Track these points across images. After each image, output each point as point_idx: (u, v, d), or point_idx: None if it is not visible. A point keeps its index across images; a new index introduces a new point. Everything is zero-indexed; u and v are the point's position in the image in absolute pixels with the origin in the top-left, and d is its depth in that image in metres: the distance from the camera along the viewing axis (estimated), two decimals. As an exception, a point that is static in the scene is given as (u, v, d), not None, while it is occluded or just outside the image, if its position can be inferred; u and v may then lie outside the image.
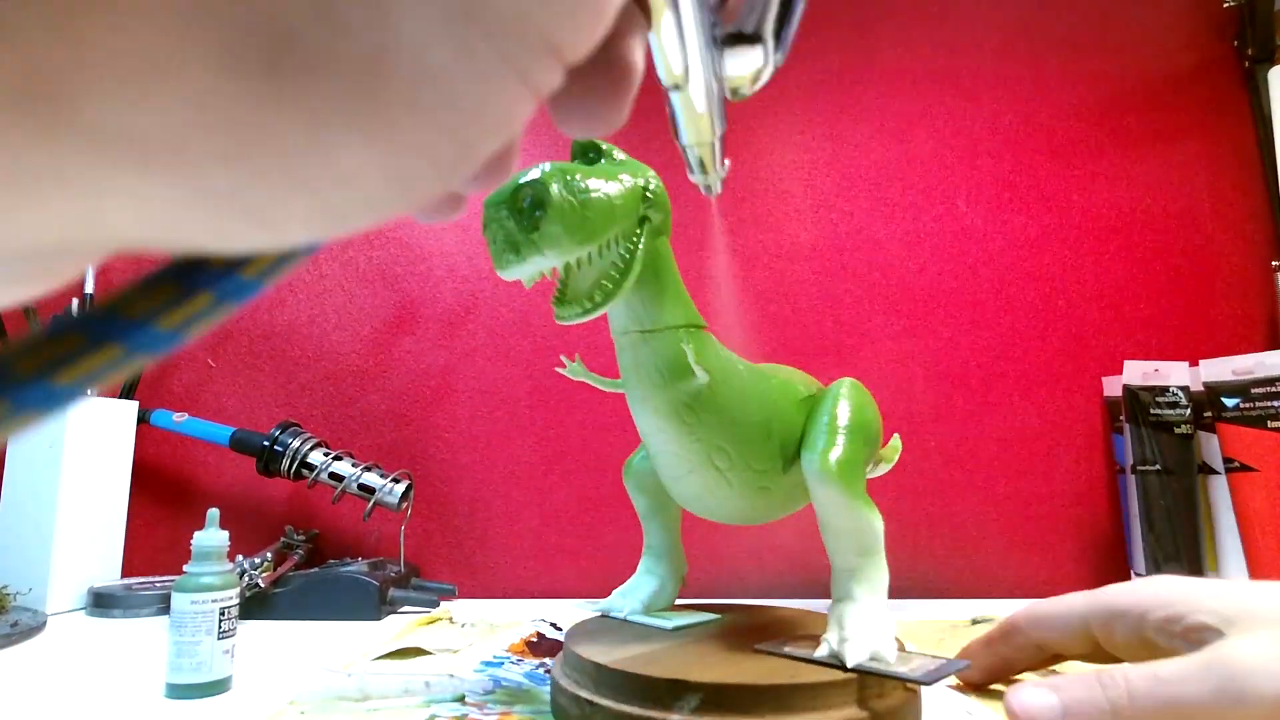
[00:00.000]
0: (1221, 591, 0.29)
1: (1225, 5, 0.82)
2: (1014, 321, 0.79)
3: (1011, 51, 0.84)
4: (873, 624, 0.34)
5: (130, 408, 0.74)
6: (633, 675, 0.32)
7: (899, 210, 0.82)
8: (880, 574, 0.36)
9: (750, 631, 0.40)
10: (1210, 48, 0.83)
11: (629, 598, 0.44)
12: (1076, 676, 0.28)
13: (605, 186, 0.33)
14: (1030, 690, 0.28)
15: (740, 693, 0.31)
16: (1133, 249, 0.80)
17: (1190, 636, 0.28)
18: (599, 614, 0.44)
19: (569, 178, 0.31)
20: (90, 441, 0.69)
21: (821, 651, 0.34)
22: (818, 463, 0.36)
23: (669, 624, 0.41)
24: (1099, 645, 0.33)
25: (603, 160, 0.35)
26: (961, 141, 0.83)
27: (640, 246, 0.34)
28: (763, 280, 0.80)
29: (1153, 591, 0.31)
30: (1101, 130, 0.82)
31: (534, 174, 0.31)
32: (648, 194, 0.35)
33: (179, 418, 0.74)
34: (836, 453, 0.36)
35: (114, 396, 0.74)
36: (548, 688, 0.41)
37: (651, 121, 0.85)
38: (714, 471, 0.37)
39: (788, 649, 0.36)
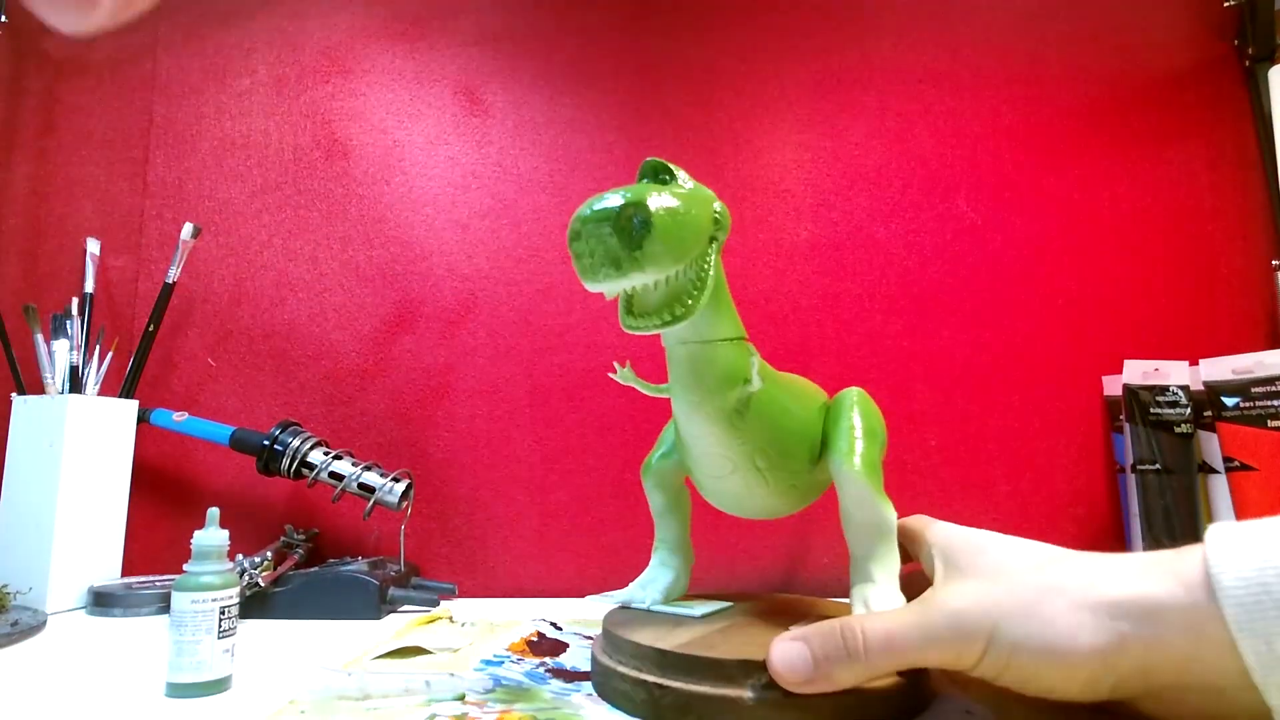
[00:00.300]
0: (972, 543, 0.35)
1: (1225, 5, 0.82)
2: (1014, 321, 0.79)
3: (1011, 51, 0.84)
4: (893, 603, 0.38)
5: (130, 407, 0.74)
6: (702, 658, 0.35)
7: (899, 210, 0.82)
8: (895, 559, 0.40)
9: (771, 616, 0.44)
10: (1210, 47, 0.83)
11: (648, 589, 0.47)
12: (824, 629, 0.33)
13: (694, 209, 0.35)
14: (786, 644, 0.33)
15: None
16: (1133, 249, 0.80)
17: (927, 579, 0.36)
18: (619, 605, 0.47)
19: (667, 200, 0.33)
20: (90, 441, 0.69)
21: None
22: (847, 463, 0.40)
23: (697, 612, 0.44)
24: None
25: (675, 180, 0.36)
26: (961, 141, 0.83)
27: (713, 264, 0.36)
28: (763, 280, 0.80)
29: (939, 532, 0.38)
30: (1101, 130, 0.82)
31: (635, 195, 0.33)
32: (716, 215, 0.37)
33: (179, 417, 0.74)
34: (861, 454, 0.40)
35: (114, 395, 0.73)
36: (548, 686, 0.41)
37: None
38: (755, 472, 0.40)
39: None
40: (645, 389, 0.42)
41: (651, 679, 0.35)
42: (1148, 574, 0.28)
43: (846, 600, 0.49)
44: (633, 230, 0.32)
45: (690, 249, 0.35)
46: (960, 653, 0.31)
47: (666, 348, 0.39)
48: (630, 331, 0.36)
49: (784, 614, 0.45)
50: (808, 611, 0.45)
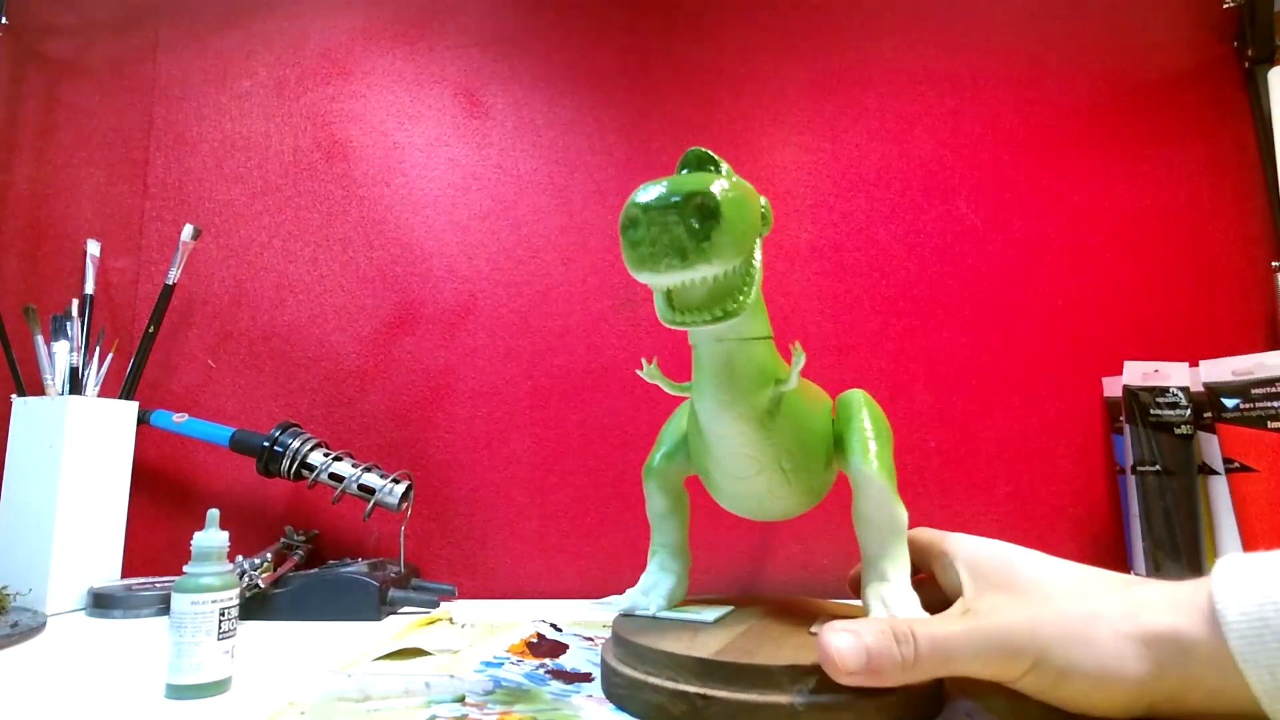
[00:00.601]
0: (999, 556, 0.36)
1: (1225, 5, 0.82)
2: (1014, 321, 0.79)
3: (1011, 52, 0.84)
4: (910, 600, 0.38)
5: (130, 408, 0.74)
6: (749, 665, 0.34)
7: (899, 210, 0.82)
8: (907, 557, 0.40)
9: (784, 617, 0.43)
10: (1210, 48, 0.83)
11: (651, 595, 0.46)
12: (876, 625, 0.33)
13: (751, 202, 0.34)
14: (840, 634, 0.33)
15: None
16: (1133, 249, 0.80)
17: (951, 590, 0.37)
18: (622, 613, 0.45)
19: (730, 190, 0.32)
20: (90, 441, 0.69)
21: None
22: (865, 464, 0.40)
23: (710, 617, 0.43)
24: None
25: (720, 172, 0.35)
26: (961, 141, 0.83)
27: (759, 261, 0.35)
28: (763, 281, 0.80)
29: (960, 545, 0.38)
30: (1102, 130, 0.82)
31: (700, 184, 0.31)
32: (763, 210, 0.37)
33: (179, 418, 0.74)
34: (877, 455, 0.40)
35: (114, 397, 0.74)
36: (548, 688, 0.41)
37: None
38: (779, 473, 0.40)
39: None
40: (668, 387, 0.42)
41: (693, 689, 0.34)
42: (1176, 607, 0.30)
43: (844, 600, 0.49)
44: (701, 220, 0.31)
45: (750, 244, 0.33)
46: (1005, 667, 0.32)
47: (696, 345, 0.38)
48: (674, 327, 0.35)
49: (795, 615, 0.44)
50: (817, 612, 0.45)
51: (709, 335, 0.37)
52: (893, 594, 0.38)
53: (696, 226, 0.31)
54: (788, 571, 0.75)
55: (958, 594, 0.36)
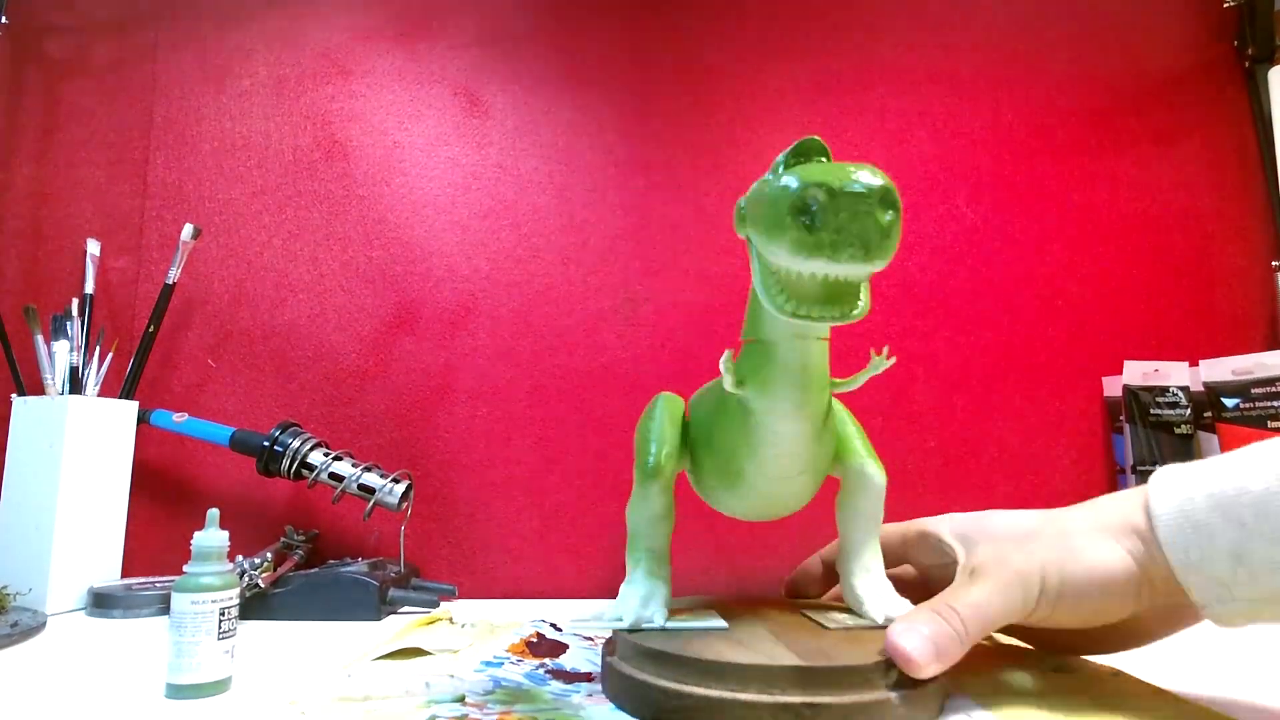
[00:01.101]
0: (979, 521, 0.41)
1: (1225, 5, 0.82)
2: (1014, 321, 0.79)
3: (1011, 52, 0.84)
4: (890, 591, 0.42)
5: (130, 408, 0.74)
6: (853, 668, 0.34)
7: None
8: (880, 548, 0.44)
9: (778, 619, 0.44)
10: (1210, 48, 0.83)
11: (651, 606, 0.42)
12: (924, 616, 0.35)
13: None
14: (906, 635, 0.35)
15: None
16: (1133, 249, 0.80)
17: (942, 554, 0.42)
18: (629, 629, 0.41)
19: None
20: (90, 441, 0.69)
21: (876, 618, 0.41)
22: (871, 464, 0.44)
23: (720, 623, 0.42)
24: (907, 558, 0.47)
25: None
26: (961, 142, 0.83)
27: None
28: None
29: (945, 524, 0.43)
30: (1101, 130, 0.82)
31: (881, 174, 0.29)
32: None
33: (179, 418, 0.74)
34: (875, 455, 0.44)
35: (114, 396, 0.74)
36: (548, 687, 0.41)
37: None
38: (814, 473, 0.41)
39: (841, 619, 0.42)
40: (730, 384, 0.38)
41: (798, 700, 0.32)
42: (1128, 504, 0.35)
43: (807, 599, 0.49)
44: (890, 213, 0.29)
45: None
46: (1025, 603, 0.35)
47: (773, 343, 0.36)
48: (794, 320, 0.33)
49: (784, 612, 0.45)
50: (797, 608, 0.46)
51: (811, 334, 0.36)
52: (878, 584, 0.43)
53: (885, 221, 0.29)
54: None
55: (939, 573, 0.41)
